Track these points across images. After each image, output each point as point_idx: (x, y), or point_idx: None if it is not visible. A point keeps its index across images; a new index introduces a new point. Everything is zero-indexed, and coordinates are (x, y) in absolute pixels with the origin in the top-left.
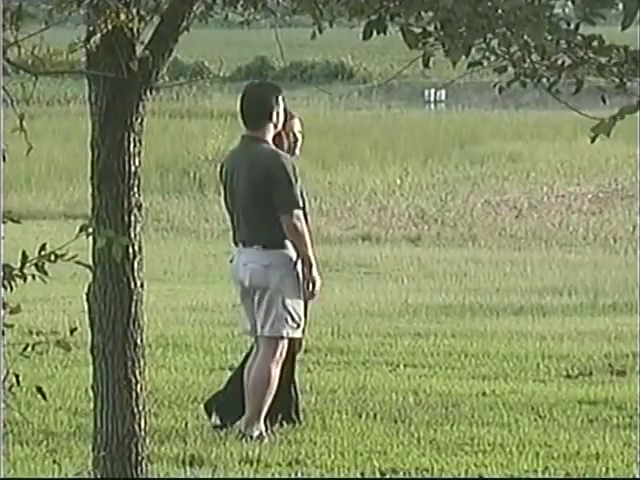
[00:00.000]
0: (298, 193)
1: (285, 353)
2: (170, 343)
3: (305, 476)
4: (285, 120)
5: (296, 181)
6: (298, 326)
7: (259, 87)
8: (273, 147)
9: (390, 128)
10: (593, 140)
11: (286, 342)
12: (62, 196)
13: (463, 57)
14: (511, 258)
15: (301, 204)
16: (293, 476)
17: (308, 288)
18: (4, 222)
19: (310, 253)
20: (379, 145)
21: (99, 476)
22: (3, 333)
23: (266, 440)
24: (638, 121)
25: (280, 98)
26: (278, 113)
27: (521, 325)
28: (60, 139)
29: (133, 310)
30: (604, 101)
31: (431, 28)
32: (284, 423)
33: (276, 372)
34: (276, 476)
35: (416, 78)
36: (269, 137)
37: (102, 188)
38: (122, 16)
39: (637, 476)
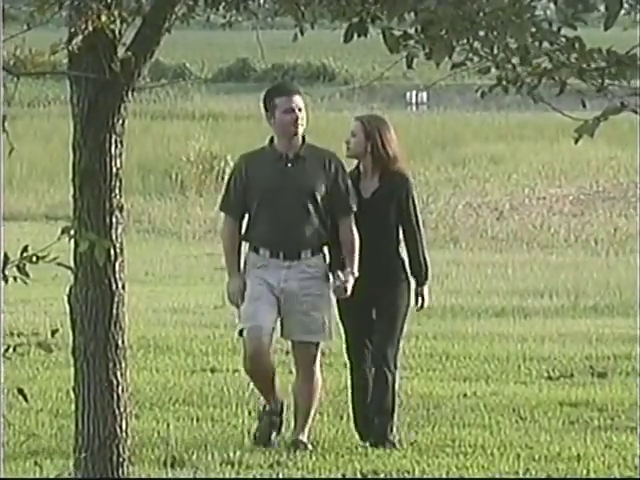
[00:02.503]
0: (227, 195)
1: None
2: (151, 345)
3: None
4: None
5: (235, 183)
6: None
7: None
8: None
9: None
10: (577, 141)
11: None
12: (43, 197)
13: (446, 59)
14: (492, 260)
15: (224, 207)
16: (274, 477)
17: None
18: None
19: (224, 258)
20: None
21: (80, 477)
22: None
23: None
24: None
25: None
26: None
27: (502, 327)
28: (41, 140)
29: (114, 312)
30: (584, 105)
31: (412, 31)
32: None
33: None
34: (257, 477)
35: (398, 80)
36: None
37: (84, 189)
38: (104, 18)
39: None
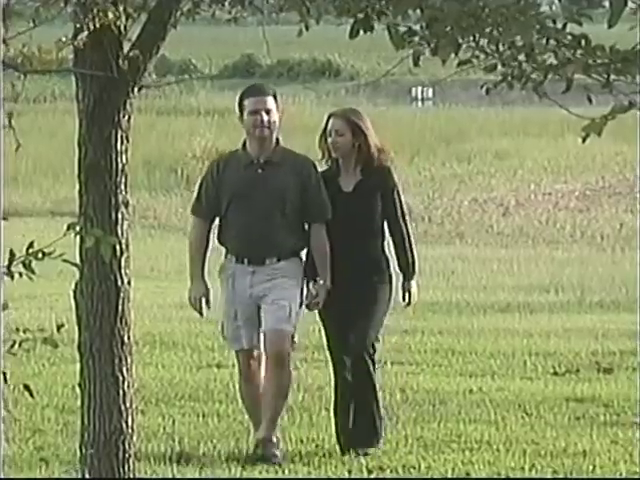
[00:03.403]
0: (198, 199)
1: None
2: (157, 340)
3: (292, 474)
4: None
5: (207, 186)
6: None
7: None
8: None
9: (377, 125)
10: (584, 140)
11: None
12: (49, 193)
13: (452, 55)
14: (498, 256)
15: (195, 210)
16: (280, 474)
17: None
18: None
19: (188, 262)
20: None
21: (86, 473)
22: None
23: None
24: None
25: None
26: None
27: (508, 322)
28: (47, 136)
29: (120, 307)
30: (590, 101)
31: (417, 27)
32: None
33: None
34: (263, 474)
35: (403, 76)
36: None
37: (89, 185)
38: (109, 14)
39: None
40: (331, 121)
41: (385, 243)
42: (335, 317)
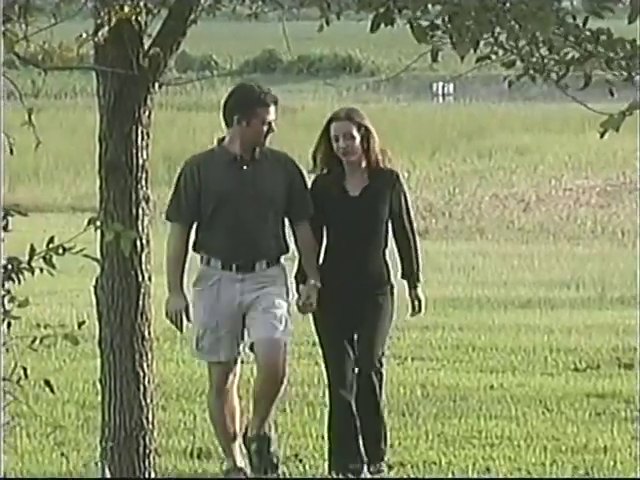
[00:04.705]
0: (176, 202)
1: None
2: (178, 336)
3: (313, 469)
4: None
5: (186, 188)
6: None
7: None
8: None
9: (397, 121)
10: (602, 135)
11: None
12: (69, 189)
13: (471, 51)
14: (519, 251)
15: (174, 214)
16: (301, 469)
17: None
18: (11, 215)
19: (166, 270)
20: (386, 138)
21: (107, 468)
22: (9, 325)
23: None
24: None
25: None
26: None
27: (529, 318)
28: (67, 132)
29: (141, 303)
30: (612, 94)
31: (439, 21)
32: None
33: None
34: (283, 469)
35: (424, 71)
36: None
37: (110, 181)
38: (129, 9)
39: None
40: (335, 125)
41: (387, 251)
42: (335, 330)
